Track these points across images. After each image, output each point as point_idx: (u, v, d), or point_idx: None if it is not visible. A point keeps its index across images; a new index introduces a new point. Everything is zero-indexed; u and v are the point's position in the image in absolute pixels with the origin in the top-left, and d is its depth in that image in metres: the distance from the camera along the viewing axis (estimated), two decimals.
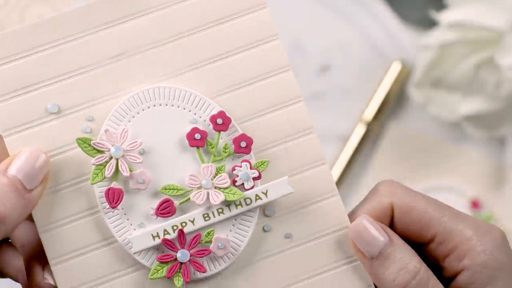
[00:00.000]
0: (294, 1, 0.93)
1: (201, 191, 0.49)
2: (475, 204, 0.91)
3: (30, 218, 0.50)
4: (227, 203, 0.49)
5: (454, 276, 0.50)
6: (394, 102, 0.95)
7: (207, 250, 0.49)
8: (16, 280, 0.53)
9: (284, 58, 0.50)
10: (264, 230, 0.50)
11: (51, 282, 0.50)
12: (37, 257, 0.51)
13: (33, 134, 0.49)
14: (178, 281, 0.48)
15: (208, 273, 0.49)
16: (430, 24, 0.92)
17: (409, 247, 0.50)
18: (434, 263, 0.51)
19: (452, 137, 0.94)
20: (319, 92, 0.94)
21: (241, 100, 0.50)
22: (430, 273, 0.49)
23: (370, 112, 0.93)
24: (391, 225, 0.51)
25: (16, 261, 0.52)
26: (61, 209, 0.49)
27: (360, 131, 0.93)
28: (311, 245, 0.50)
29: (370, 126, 0.93)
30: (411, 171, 0.92)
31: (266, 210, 0.50)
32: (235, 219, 0.49)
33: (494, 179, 0.93)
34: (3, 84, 0.50)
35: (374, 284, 0.51)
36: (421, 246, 0.51)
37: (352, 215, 0.51)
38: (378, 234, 0.49)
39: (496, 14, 0.84)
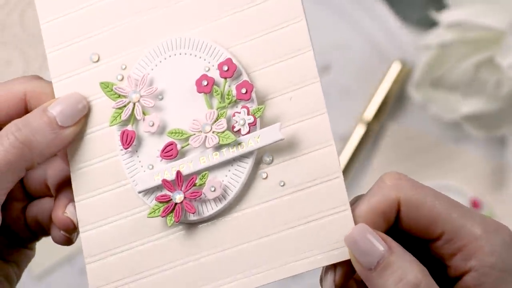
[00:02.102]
0: None
1: (200, 135, 0.51)
2: (475, 204, 0.90)
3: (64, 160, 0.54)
4: (220, 147, 0.51)
5: (459, 276, 0.49)
6: (394, 102, 0.95)
7: (198, 192, 0.51)
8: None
9: (299, 8, 0.52)
10: (261, 178, 0.52)
11: (71, 217, 0.54)
12: (63, 195, 0.54)
13: (77, 81, 0.54)
14: (170, 220, 0.51)
15: (200, 215, 0.51)
16: (430, 24, 0.92)
17: (410, 256, 0.48)
18: (439, 261, 0.50)
19: (452, 137, 0.94)
20: None
21: (254, 51, 0.53)
22: (432, 282, 0.47)
23: (370, 112, 0.93)
24: (397, 220, 0.50)
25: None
26: (91, 150, 0.53)
27: (360, 131, 0.93)
28: (304, 193, 0.51)
29: (370, 126, 0.93)
30: (411, 171, 0.92)
31: (264, 157, 0.52)
32: (231, 165, 0.52)
33: (494, 179, 0.93)
34: (55, 35, 0.55)
35: None
36: (426, 242, 0.50)
37: (356, 208, 0.50)
38: (376, 243, 0.48)
39: (496, 14, 0.84)
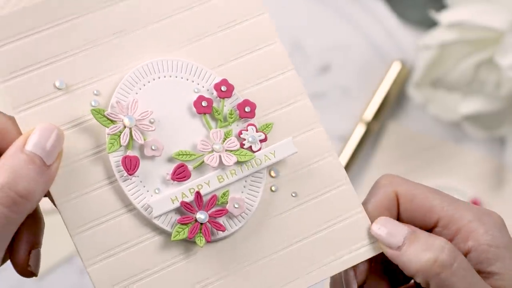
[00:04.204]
0: (294, 1, 0.93)
1: (213, 154, 0.51)
2: (475, 204, 0.91)
3: None
4: (239, 165, 0.51)
5: None
6: (394, 102, 0.95)
7: (224, 210, 0.51)
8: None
9: (272, 30, 0.54)
10: (272, 190, 0.53)
11: (33, 270, 0.51)
12: (25, 235, 0.51)
13: (43, 110, 0.51)
14: (200, 240, 0.50)
15: (227, 232, 0.51)
16: (430, 24, 0.92)
17: (429, 233, 0.51)
18: None
19: (452, 137, 0.94)
20: (319, 92, 0.94)
21: (237, 71, 0.53)
22: (456, 249, 0.50)
23: (370, 112, 0.93)
24: (399, 213, 0.53)
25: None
26: (78, 181, 0.50)
27: (360, 131, 0.93)
28: (316, 202, 0.53)
29: (370, 126, 0.93)
30: (411, 171, 0.92)
31: (271, 172, 0.53)
32: (245, 181, 0.52)
33: (494, 179, 0.93)
34: (11, 62, 0.51)
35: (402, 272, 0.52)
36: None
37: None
38: (399, 225, 0.52)
39: (496, 14, 0.84)
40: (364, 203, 0.53)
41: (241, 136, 0.52)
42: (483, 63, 0.88)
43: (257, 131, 0.52)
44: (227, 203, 0.51)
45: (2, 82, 0.50)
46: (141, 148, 0.50)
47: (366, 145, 0.94)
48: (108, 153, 0.50)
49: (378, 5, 0.96)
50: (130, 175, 0.50)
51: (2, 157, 0.47)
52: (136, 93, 0.51)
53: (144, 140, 0.50)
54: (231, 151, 0.51)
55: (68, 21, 0.51)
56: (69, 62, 0.51)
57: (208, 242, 0.50)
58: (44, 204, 0.51)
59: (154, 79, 0.52)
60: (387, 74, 0.94)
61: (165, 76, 0.52)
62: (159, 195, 0.50)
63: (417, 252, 0.50)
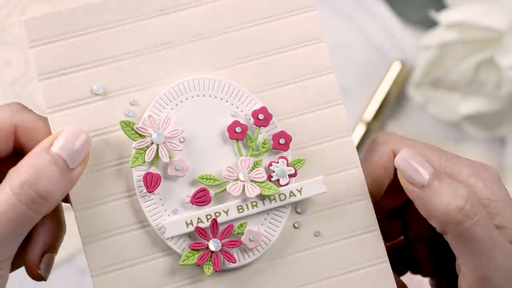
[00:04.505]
0: None
1: (237, 183, 0.50)
2: None
3: None
4: (262, 197, 0.50)
5: None
6: (394, 102, 0.95)
7: (238, 242, 0.49)
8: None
9: (327, 60, 0.51)
10: (294, 227, 0.51)
11: (43, 275, 0.51)
12: (41, 235, 0.51)
13: (77, 114, 0.50)
14: (208, 269, 0.49)
15: (237, 264, 0.50)
16: (430, 24, 0.92)
17: (452, 179, 0.50)
18: None
19: (452, 137, 0.94)
20: None
21: (282, 98, 0.51)
22: (476, 199, 0.49)
23: (370, 112, 0.93)
24: (396, 172, 0.52)
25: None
26: (98, 189, 0.50)
27: (360, 131, 0.93)
28: (339, 245, 0.51)
29: (370, 126, 0.93)
30: None
31: (298, 207, 0.51)
32: (267, 214, 0.50)
33: None
34: (52, 61, 0.50)
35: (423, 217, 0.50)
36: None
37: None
38: (424, 163, 0.49)
39: (496, 14, 0.84)
40: (361, 162, 0.52)
41: (271, 168, 0.50)
42: (483, 63, 0.88)
43: (287, 165, 0.50)
44: (243, 235, 0.50)
45: (40, 80, 0.50)
46: (166, 166, 0.49)
47: (366, 145, 0.94)
48: (131, 167, 0.49)
49: (378, 5, 0.96)
50: (150, 192, 0.49)
51: (28, 155, 0.48)
52: (172, 109, 0.50)
53: (170, 158, 0.49)
54: (257, 182, 0.50)
55: (117, 26, 0.50)
56: (110, 68, 0.50)
57: (216, 271, 0.49)
58: None
59: (192, 97, 0.50)
60: (387, 74, 0.94)
61: (204, 95, 0.50)
62: (175, 217, 0.49)
63: (442, 197, 0.48)
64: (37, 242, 0.51)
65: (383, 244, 0.51)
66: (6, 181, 0.47)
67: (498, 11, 0.85)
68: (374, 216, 0.51)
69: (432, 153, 0.51)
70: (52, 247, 0.51)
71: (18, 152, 0.50)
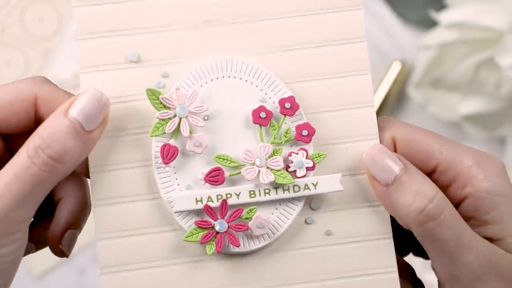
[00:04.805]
0: None
1: (253, 167, 0.49)
2: None
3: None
4: (275, 186, 0.49)
5: (456, 206, 0.50)
6: (394, 102, 0.95)
7: (245, 226, 0.49)
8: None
9: (365, 61, 0.52)
10: (306, 222, 0.50)
11: (65, 250, 0.52)
12: (64, 210, 0.52)
13: (108, 77, 0.50)
14: (210, 249, 0.49)
15: (241, 249, 0.49)
16: (430, 24, 0.92)
17: (423, 175, 0.49)
18: None
19: (452, 137, 0.94)
20: None
21: (313, 92, 0.51)
22: (446, 198, 0.48)
23: None
24: None
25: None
26: (116, 154, 0.50)
27: None
28: (350, 247, 0.50)
29: None
30: None
31: (312, 203, 0.50)
32: (279, 204, 0.50)
33: None
34: (93, 23, 0.51)
35: (389, 215, 0.50)
36: None
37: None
38: (393, 161, 0.49)
39: (496, 14, 0.84)
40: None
41: (290, 158, 0.49)
42: (483, 63, 0.88)
43: (307, 158, 0.49)
44: (251, 220, 0.49)
45: (78, 39, 0.50)
46: (186, 141, 0.49)
47: None
48: (150, 135, 0.49)
49: (378, 5, 0.96)
50: (165, 164, 0.49)
51: (49, 117, 0.48)
52: (201, 86, 0.50)
53: (191, 133, 0.49)
54: (273, 170, 0.49)
55: None
56: (149, 37, 0.51)
57: (217, 252, 0.49)
58: None
59: (223, 77, 0.50)
60: (387, 74, 0.94)
61: (235, 77, 0.50)
62: (187, 192, 0.49)
63: (405, 197, 0.48)
64: (60, 217, 0.52)
65: (394, 254, 0.50)
66: (25, 143, 0.48)
67: (498, 11, 0.85)
68: (389, 224, 0.50)
69: (434, 141, 0.50)
70: (76, 225, 0.52)
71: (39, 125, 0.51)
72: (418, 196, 0.48)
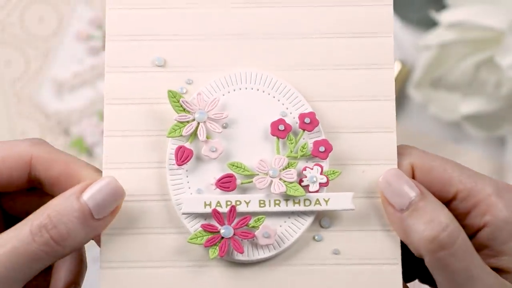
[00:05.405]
0: None
1: (265, 178, 0.49)
2: None
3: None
4: (286, 197, 0.49)
5: (474, 234, 0.50)
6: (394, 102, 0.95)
7: (251, 234, 0.49)
8: None
9: (391, 86, 0.52)
10: (314, 239, 0.50)
11: None
12: (62, 278, 0.52)
13: (131, 79, 0.51)
14: (213, 252, 0.48)
15: (245, 257, 0.49)
16: (430, 24, 0.92)
17: (440, 202, 0.49)
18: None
19: (452, 137, 0.94)
20: None
21: (336, 112, 0.51)
22: (460, 227, 0.48)
23: None
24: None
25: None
26: (131, 153, 0.51)
27: None
28: (356, 269, 0.50)
29: None
30: None
31: (322, 221, 0.50)
32: (289, 217, 0.50)
33: None
34: (124, 26, 0.52)
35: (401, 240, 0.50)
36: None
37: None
38: (409, 186, 0.48)
39: (496, 14, 0.84)
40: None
41: (304, 172, 0.49)
42: (483, 63, 0.87)
43: (321, 173, 0.49)
44: (257, 229, 0.49)
45: (108, 40, 0.51)
46: (202, 146, 0.50)
47: None
48: (167, 136, 0.49)
49: None
50: (178, 165, 0.49)
51: (59, 195, 0.48)
52: (223, 95, 0.51)
53: (207, 138, 0.50)
54: (285, 181, 0.49)
55: (197, 8, 0.52)
56: (178, 45, 0.51)
57: (220, 257, 0.48)
58: None
59: (246, 88, 0.51)
60: None
61: (258, 89, 0.51)
62: (197, 195, 0.49)
63: (418, 223, 0.47)
64: (58, 278, 0.52)
65: (401, 279, 0.49)
66: (31, 217, 0.48)
67: (498, 11, 0.85)
68: (399, 249, 0.49)
69: (453, 169, 0.50)
70: (75, 283, 0.52)
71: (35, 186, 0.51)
72: (432, 224, 0.47)
